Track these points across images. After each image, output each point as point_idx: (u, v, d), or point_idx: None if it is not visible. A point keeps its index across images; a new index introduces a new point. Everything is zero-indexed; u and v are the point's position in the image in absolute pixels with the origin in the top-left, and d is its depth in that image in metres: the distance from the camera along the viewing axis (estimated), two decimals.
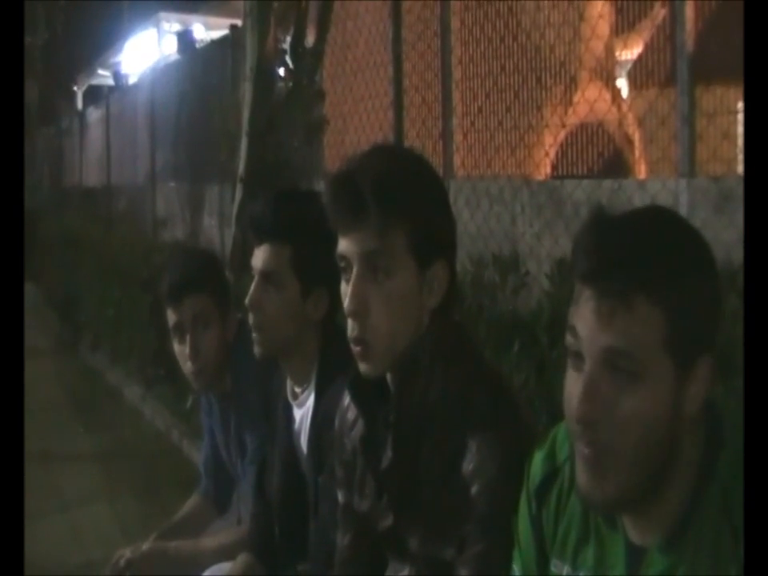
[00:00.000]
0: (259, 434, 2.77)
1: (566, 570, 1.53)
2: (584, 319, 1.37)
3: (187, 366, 2.87)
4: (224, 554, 2.75)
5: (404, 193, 1.79)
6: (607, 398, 1.35)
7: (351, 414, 2.00)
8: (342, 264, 1.83)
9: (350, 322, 1.82)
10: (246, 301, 2.42)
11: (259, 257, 2.43)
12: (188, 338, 2.84)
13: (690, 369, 1.37)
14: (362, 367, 1.83)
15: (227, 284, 3.00)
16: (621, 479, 1.38)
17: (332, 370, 2.33)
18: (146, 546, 2.85)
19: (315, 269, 2.35)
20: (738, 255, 3.50)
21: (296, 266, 2.39)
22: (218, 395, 2.97)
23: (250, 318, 2.43)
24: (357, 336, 1.81)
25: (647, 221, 1.42)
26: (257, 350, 2.45)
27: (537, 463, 1.60)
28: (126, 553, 2.90)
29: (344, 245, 1.81)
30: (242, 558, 2.65)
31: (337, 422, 2.06)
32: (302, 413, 2.48)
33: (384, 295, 1.78)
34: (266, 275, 2.41)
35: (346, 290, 1.82)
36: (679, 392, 1.36)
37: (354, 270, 1.80)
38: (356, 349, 1.82)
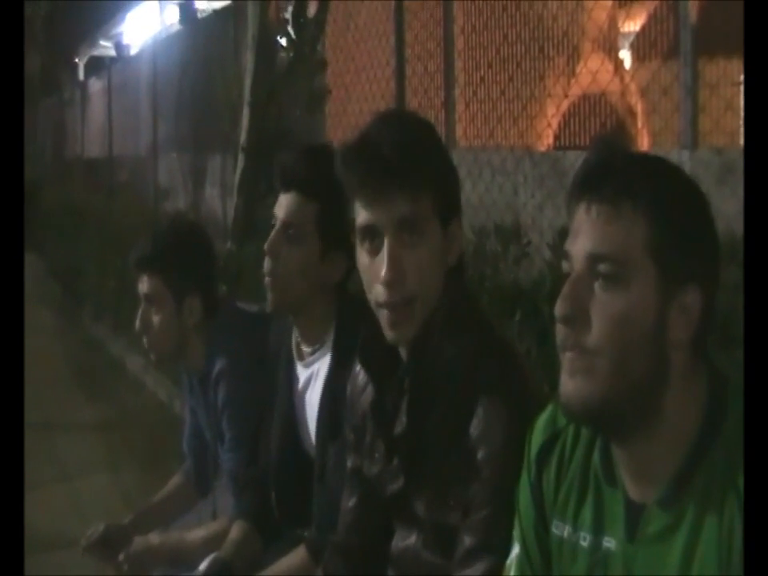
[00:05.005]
0: (238, 421, 2.73)
1: (567, 530, 1.54)
2: (574, 234, 1.42)
3: (143, 339, 2.84)
4: (210, 546, 2.67)
5: (427, 157, 1.82)
6: (588, 298, 1.39)
7: (362, 379, 2.01)
8: (366, 235, 1.81)
9: (384, 289, 1.79)
10: (265, 246, 2.35)
11: (283, 204, 2.36)
12: (139, 312, 2.80)
13: (676, 290, 1.39)
14: (391, 335, 1.82)
15: (198, 264, 2.83)
16: (602, 385, 1.38)
17: (350, 335, 2.24)
18: (133, 546, 2.78)
19: (339, 230, 2.26)
20: (740, 227, 3.51)
21: (320, 224, 2.33)
22: (197, 376, 2.87)
23: (266, 264, 2.35)
24: (394, 301, 1.79)
25: (647, 155, 1.53)
26: (269, 301, 2.39)
27: (538, 429, 1.61)
28: (100, 527, 2.91)
29: (373, 215, 1.79)
30: (239, 526, 2.60)
31: (348, 388, 2.07)
32: (309, 373, 2.43)
33: (417, 258, 1.79)
34: (288, 225, 2.34)
35: (366, 261, 1.81)
36: (664, 307, 1.38)
37: (387, 239, 1.78)
38: (389, 314, 1.80)
